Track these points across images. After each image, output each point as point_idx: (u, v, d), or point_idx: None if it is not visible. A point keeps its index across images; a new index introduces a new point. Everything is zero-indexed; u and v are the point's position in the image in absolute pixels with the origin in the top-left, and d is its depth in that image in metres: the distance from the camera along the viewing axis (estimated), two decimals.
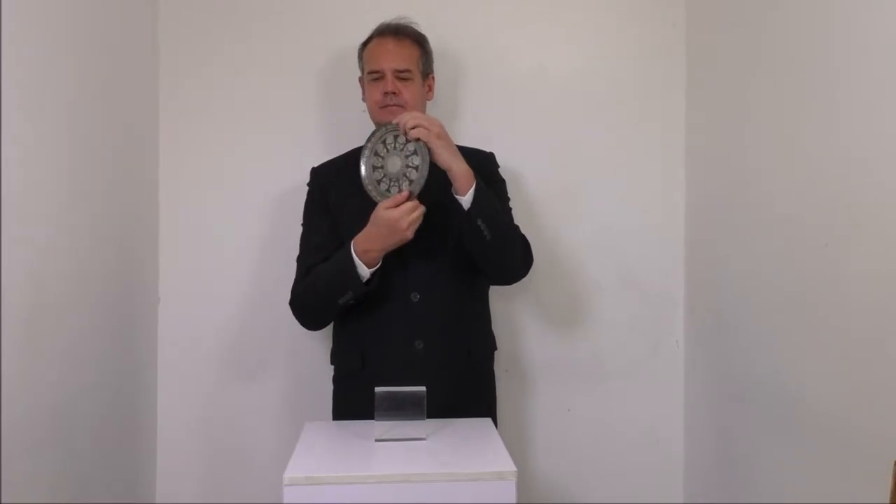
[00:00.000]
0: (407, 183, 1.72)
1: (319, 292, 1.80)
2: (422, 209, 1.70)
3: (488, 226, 1.72)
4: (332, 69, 2.21)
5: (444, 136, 1.73)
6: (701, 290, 2.21)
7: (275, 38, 2.22)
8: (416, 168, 1.72)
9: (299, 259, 1.90)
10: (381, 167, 1.75)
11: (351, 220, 1.79)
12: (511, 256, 1.84)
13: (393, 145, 1.75)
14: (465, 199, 1.71)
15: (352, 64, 2.01)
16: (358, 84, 1.99)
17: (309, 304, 1.85)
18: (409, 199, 1.70)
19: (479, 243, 1.75)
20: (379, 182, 1.75)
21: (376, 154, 1.76)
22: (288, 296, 1.87)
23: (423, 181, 1.71)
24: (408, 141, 1.73)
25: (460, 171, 1.71)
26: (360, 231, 1.73)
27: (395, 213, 1.68)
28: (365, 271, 1.73)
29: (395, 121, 1.75)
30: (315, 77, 2.23)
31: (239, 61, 2.21)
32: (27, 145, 1.51)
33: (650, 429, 2.29)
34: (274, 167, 2.20)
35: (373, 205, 1.72)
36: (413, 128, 1.71)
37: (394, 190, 1.73)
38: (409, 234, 1.70)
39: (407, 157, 1.73)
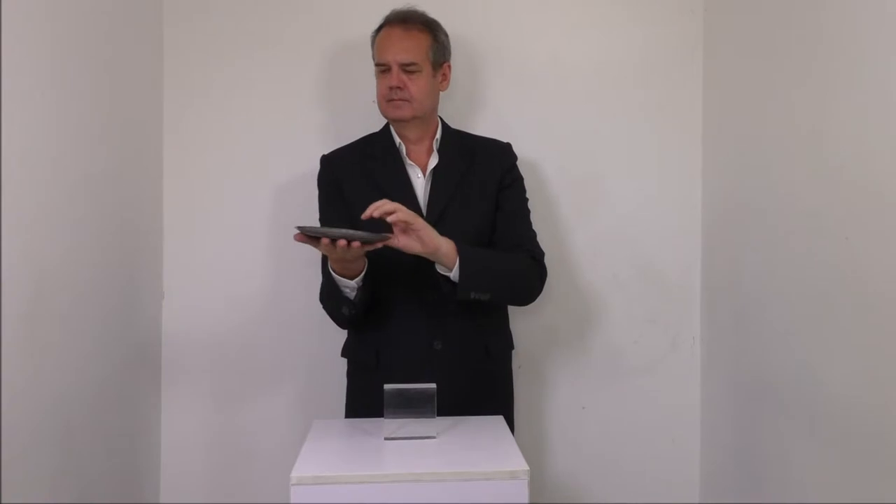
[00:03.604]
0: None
1: (328, 305, 1.81)
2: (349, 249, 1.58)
3: (484, 291, 1.73)
4: (339, 59, 2.18)
5: (426, 225, 1.66)
6: (718, 286, 2.18)
7: (281, 26, 2.18)
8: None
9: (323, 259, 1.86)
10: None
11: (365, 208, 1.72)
12: (518, 297, 1.88)
13: None
14: (454, 274, 1.70)
15: (360, 53, 1.97)
16: (373, 74, 1.93)
17: (327, 311, 1.84)
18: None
19: (481, 305, 1.77)
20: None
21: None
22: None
23: (361, 237, 1.58)
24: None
25: (448, 250, 1.69)
26: None
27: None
28: (349, 286, 1.71)
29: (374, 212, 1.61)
30: (322, 67, 2.19)
31: (244, 50, 2.18)
32: (28, 138, 1.48)
33: (666, 427, 2.26)
34: (280, 158, 2.17)
35: (387, 193, 1.69)
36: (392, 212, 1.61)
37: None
38: (335, 265, 1.67)
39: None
